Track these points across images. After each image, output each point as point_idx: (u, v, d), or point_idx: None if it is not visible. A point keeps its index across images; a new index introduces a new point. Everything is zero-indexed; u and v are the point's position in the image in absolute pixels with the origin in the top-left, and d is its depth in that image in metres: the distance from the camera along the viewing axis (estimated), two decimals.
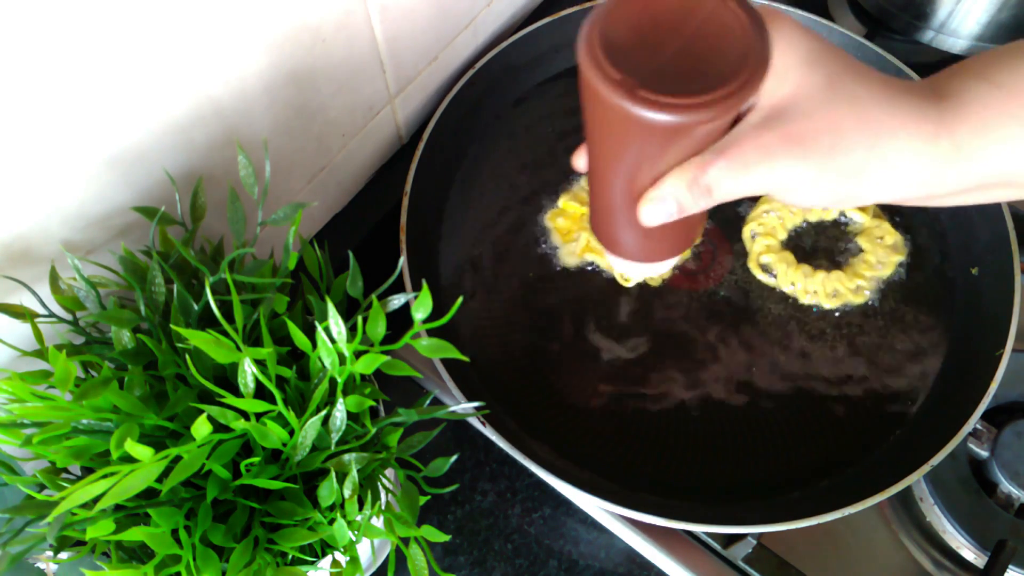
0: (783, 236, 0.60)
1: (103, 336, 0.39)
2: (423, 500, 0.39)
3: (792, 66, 0.29)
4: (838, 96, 0.29)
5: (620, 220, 0.35)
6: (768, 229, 0.60)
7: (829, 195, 0.31)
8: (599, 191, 0.35)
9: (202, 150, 0.43)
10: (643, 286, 0.58)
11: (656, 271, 0.39)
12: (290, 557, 0.37)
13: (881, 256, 0.59)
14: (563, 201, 0.61)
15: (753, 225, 0.60)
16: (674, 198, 0.31)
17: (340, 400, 0.36)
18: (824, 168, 0.29)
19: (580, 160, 0.35)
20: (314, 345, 0.36)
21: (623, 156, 0.31)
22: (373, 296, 0.39)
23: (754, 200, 0.61)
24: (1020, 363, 0.56)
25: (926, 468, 0.47)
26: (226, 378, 0.38)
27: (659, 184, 0.31)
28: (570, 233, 0.60)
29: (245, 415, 0.35)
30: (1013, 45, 0.31)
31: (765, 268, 0.59)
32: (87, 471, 0.38)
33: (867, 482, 0.49)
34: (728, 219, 0.61)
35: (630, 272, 0.40)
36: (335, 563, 0.38)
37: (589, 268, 0.59)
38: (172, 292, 0.37)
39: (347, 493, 0.35)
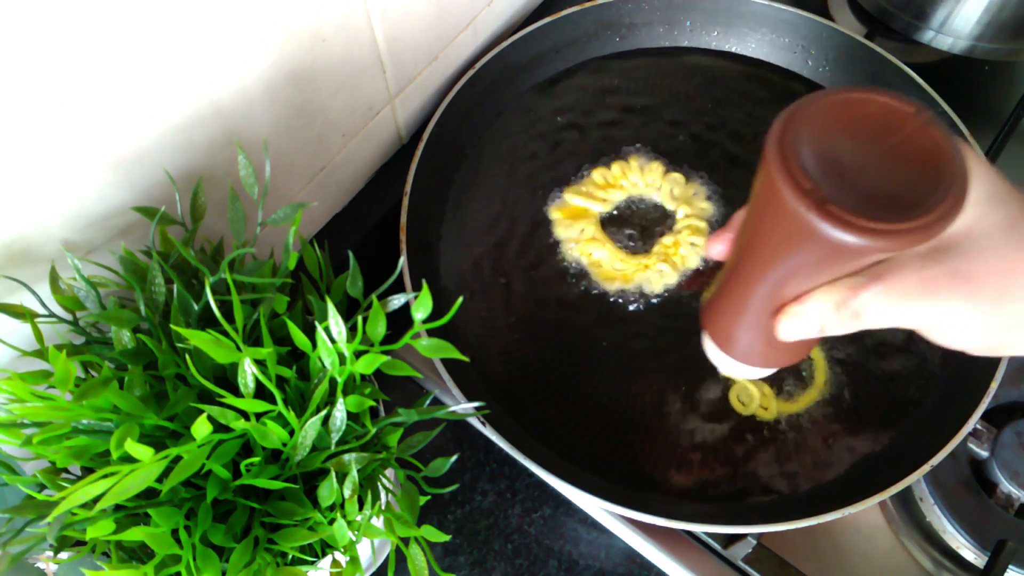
0: None
1: (103, 336, 0.39)
2: (423, 500, 0.39)
3: (975, 201, 0.27)
4: (1017, 240, 0.28)
5: (747, 322, 0.33)
6: None
7: (987, 341, 0.29)
8: (735, 288, 0.33)
9: (202, 150, 0.43)
10: (643, 287, 0.58)
11: (756, 375, 0.38)
12: (290, 557, 0.37)
13: None
14: (567, 195, 0.61)
15: None
16: (818, 317, 0.29)
17: (340, 400, 0.36)
18: (990, 313, 0.28)
19: (717, 247, 0.33)
20: (314, 345, 0.36)
21: (780, 263, 0.29)
22: (373, 296, 0.39)
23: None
24: (1020, 363, 0.56)
25: (926, 468, 0.47)
26: (226, 378, 0.38)
27: (805, 299, 0.30)
28: (571, 230, 0.60)
29: (245, 415, 0.35)
30: None
31: None
32: (87, 471, 0.38)
33: (867, 482, 0.49)
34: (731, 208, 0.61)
35: (725, 368, 0.39)
36: (335, 563, 0.38)
37: (589, 267, 0.59)
38: (172, 292, 0.37)
39: (347, 493, 0.35)
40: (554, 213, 0.61)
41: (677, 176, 0.62)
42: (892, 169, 0.26)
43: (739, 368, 0.37)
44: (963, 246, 0.28)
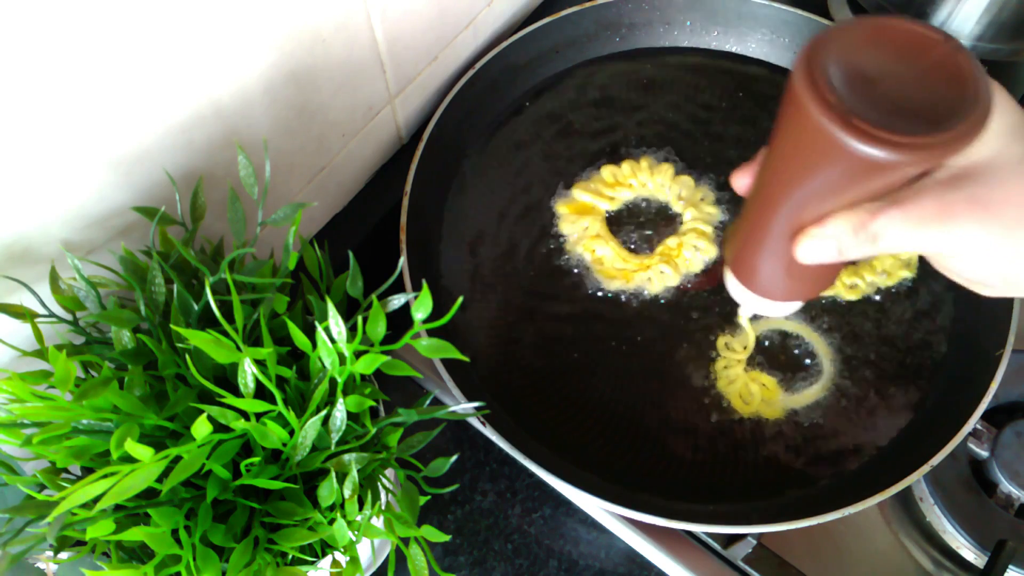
0: None
1: (103, 336, 0.39)
2: (423, 500, 0.39)
3: (997, 133, 0.28)
4: None
5: (769, 249, 0.33)
6: None
7: (999, 271, 0.30)
8: (757, 217, 0.33)
9: (202, 150, 0.43)
10: (644, 287, 0.58)
11: (778, 311, 0.39)
12: (290, 557, 0.37)
13: (888, 266, 0.58)
14: (575, 191, 0.61)
15: None
16: (836, 239, 0.30)
17: (340, 400, 0.36)
18: (1002, 242, 0.28)
19: (742, 180, 0.34)
20: (314, 345, 0.36)
21: (803, 182, 0.29)
22: (373, 296, 0.39)
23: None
24: (1020, 363, 0.56)
25: (926, 468, 0.47)
26: (226, 378, 0.38)
27: (824, 222, 0.30)
28: (576, 226, 0.60)
29: (245, 415, 0.35)
30: None
31: None
32: (87, 471, 0.38)
33: (867, 482, 0.49)
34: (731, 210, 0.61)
35: (750, 306, 0.39)
36: (335, 563, 0.38)
37: (591, 263, 0.59)
38: (172, 292, 0.37)
39: (347, 493, 0.35)
40: (561, 208, 0.61)
41: (687, 179, 0.62)
42: (917, 89, 0.26)
43: (761, 303, 0.38)
44: (984, 175, 0.28)
